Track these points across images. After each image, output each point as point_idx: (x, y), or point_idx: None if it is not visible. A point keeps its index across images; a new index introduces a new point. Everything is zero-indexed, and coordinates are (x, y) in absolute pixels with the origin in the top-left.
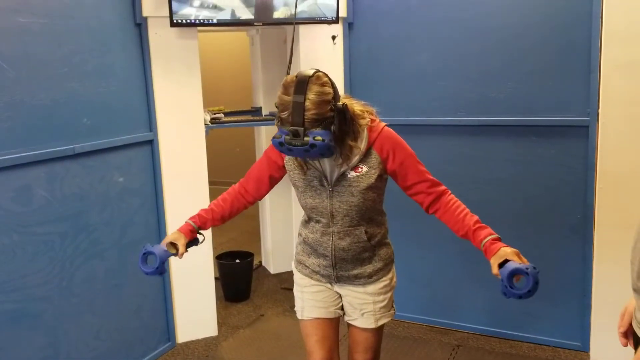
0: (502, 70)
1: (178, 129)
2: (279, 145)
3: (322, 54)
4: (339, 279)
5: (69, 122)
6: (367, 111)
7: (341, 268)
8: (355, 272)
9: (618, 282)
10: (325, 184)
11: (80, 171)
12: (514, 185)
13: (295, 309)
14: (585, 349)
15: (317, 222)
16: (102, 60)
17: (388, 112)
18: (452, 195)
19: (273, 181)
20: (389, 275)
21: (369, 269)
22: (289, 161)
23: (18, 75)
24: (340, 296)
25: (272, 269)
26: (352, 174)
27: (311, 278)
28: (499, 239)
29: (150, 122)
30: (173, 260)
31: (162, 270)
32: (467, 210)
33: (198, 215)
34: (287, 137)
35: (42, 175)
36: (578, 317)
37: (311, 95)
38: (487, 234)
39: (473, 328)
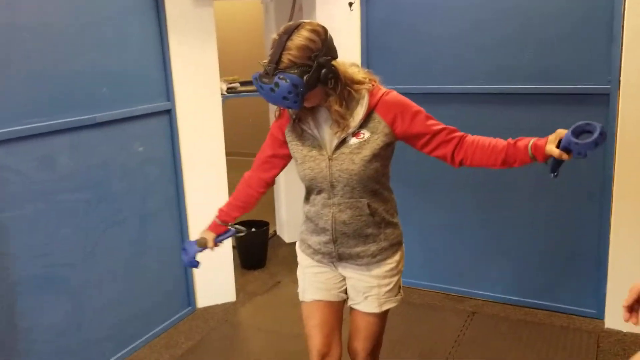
0: (522, 37)
1: (195, 99)
2: (254, 81)
3: (339, 21)
4: (341, 257)
5: (89, 92)
6: (370, 78)
7: (342, 244)
8: (357, 249)
9: (634, 251)
10: (324, 152)
11: (102, 140)
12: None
13: (298, 290)
14: (600, 316)
15: (318, 193)
16: (120, 30)
17: (405, 81)
18: (473, 136)
19: (277, 160)
20: (396, 258)
21: (372, 247)
22: (288, 133)
23: (38, 46)
24: (344, 279)
25: (287, 238)
26: (354, 140)
27: (313, 259)
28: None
29: (167, 91)
30: (192, 230)
31: (193, 264)
32: (496, 138)
33: (219, 210)
34: (261, 74)
35: (65, 144)
36: (593, 285)
37: (296, 38)
38: (530, 139)
39: (488, 296)
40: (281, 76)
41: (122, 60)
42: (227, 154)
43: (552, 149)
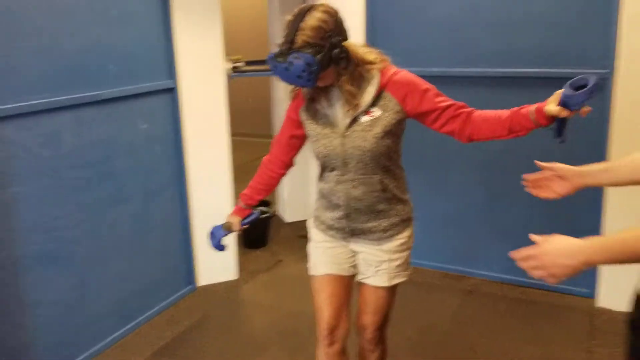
0: (523, 22)
1: (199, 78)
2: (269, 61)
3: (343, 2)
4: (354, 232)
5: (94, 69)
6: (381, 59)
7: (355, 219)
8: (369, 225)
9: None
10: (337, 130)
11: (107, 117)
12: (529, 136)
13: (308, 265)
14: (591, 295)
15: (332, 170)
16: (125, 7)
17: (408, 63)
18: (480, 110)
19: (295, 141)
20: (406, 234)
21: (384, 222)
22: (303, 113)
23: (45, 22)
24: (354, 254)
25: (288, 218)
26: (365, 117)
27: (326, 234)
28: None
29: (171, 70)
30: (194, 209)
31: (220, 247)
32: (501, 110)
33: (242, 194)
34: (275, 54)
35: (70, 121)
36: None
37: (309, 19)
38: (531, 106)
39: (486, 275)
40: (295, 55)
41: (127, 38)
42: (231, 134)
43: (551, 107)
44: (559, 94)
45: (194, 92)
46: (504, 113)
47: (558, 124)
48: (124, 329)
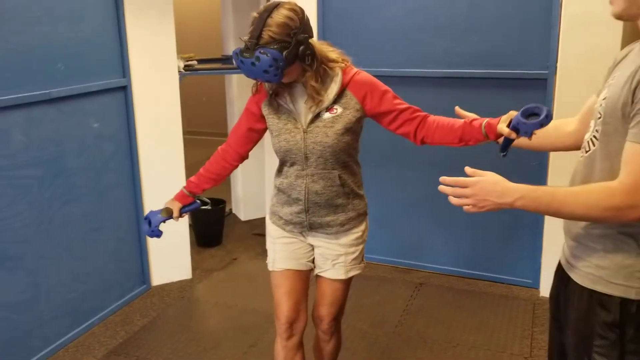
0: (468, 25)
1: (151, 76)
2: (235, 56)
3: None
4: (312, 226)
5: (44, 67)
6: (343, 58)
7: (314, 214)
8: (327, 219)
9: None
10: (300, 125)
11: (57, 116)
12: None
13: (267, 261)
14: (535, 285)
15: (292, 165)
16: (74, 4)
17: (356, 63)
18: (435, 116)
19: (253, 134)
20: (361, 227)
21: (341, 217)
22: (265, 107)
23: None
24: (312, 249)
25: (243, 216)
26: (327, 114)
27: (284, 229)
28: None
29: (123, 68)
30: (147, 207)
31: (155, 233)
32: (454, 118)
33: (188, 181)
34: (242, 49)
35: (19, 120)
36: (530, 258)
37: (276, 15)
38: (483, 119)
39: (435, 268)
40: (262, 51)
41: (77, 36)
42: (185, 132)
43: (502, 127)
44: (511, 114)
45: (147, 90)
46: (457, 122)
47: (505, 142)
48: (77, 330)
